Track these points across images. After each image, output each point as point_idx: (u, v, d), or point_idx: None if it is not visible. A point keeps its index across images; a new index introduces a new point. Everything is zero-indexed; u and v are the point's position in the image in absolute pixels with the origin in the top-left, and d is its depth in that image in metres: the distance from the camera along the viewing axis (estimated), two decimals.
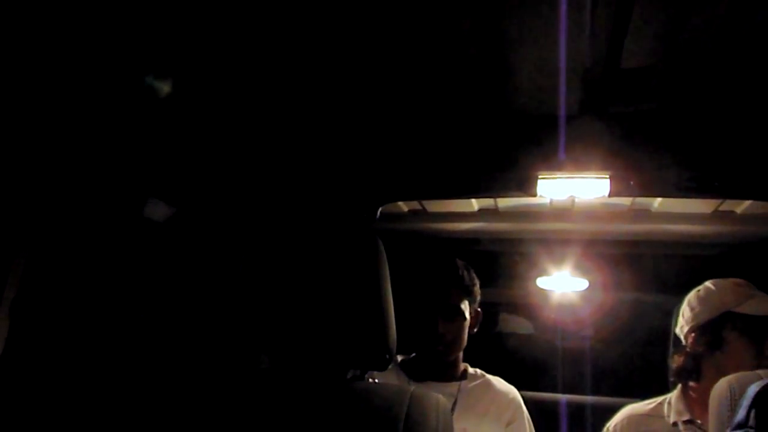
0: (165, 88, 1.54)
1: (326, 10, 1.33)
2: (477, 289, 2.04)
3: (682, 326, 1.96)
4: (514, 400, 1.99)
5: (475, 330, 2.06)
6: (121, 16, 1.33)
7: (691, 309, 1.93)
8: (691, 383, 1.91)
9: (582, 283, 3.09)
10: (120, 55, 1.45)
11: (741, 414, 1.30)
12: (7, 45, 1.35)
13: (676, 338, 2.01)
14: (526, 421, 1.97)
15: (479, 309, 2.06)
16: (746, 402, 1.30)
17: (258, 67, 1.57)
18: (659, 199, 2.30)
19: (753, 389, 1.31)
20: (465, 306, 1.97)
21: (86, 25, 1.34)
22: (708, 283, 1.94)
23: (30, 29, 1.33)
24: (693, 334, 1.90)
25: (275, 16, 1.35)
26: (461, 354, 2.03)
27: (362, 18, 1.36)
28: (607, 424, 2.04)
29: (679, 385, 1.95)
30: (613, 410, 2.08)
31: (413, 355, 2.07)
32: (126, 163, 1.74)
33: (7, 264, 1.58)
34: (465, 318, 1.96)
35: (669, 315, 2.13)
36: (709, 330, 1.87)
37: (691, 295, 1.96)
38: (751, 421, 1.26)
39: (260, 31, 1.41)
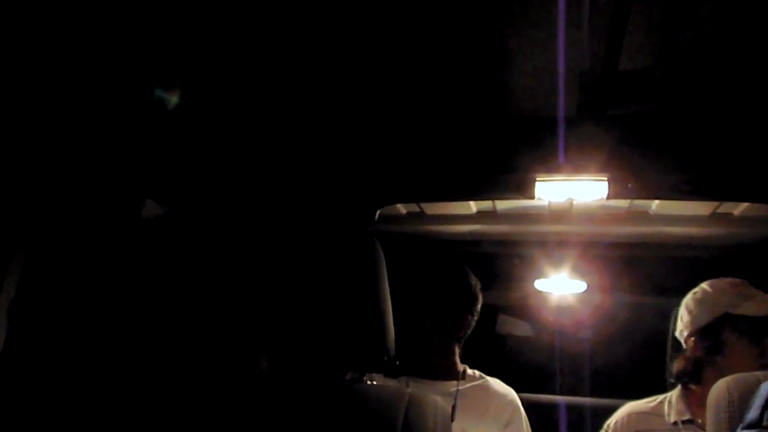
0: (165, 90, 1.55)
1: (325, 14, 1.34)
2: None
3: (681, 330, 1.95)
4: (512, 401, 1.98)
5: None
6: (119, 22, 1.33)
7: (689, 312, 1.91)
8: (692, 385, 1.90)
9: (580, 286, 3.09)
10: (117, 57, 1.45)
11: (753, 413, 1.27)
12: (9, 50, 1.36)
13: (676, 341, 2.00)
14: (524, 423, 1.97)
15: None
16: (759, 401, 1.27)
17: (256, 70, 1.57)
18: (657, 201, 2.30)
19: (766, 388, 1.29)
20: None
21: (85, 31, 1.34)
22: (704, 285, 1.92)
23: (33, 35, 1.34)
24: (693, 339, 1.89)
25: (273, 18, 1.35)
26: (457, 352, 2.01)
27: (362, 22, 1.36)
28: (608, 421, 2.04)
29: (680, 385, 1.95)
30: (611, 412, 2.08)
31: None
32: (124, 163, 1.74)
33: (5, 264, 1.58)
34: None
35: (667, 317, 2.13)
36: (708, 334, 1.85)
37: (688, 298, 1.95)
38: (765, 421, 1.24)
39: (258, 34, 1.41)
